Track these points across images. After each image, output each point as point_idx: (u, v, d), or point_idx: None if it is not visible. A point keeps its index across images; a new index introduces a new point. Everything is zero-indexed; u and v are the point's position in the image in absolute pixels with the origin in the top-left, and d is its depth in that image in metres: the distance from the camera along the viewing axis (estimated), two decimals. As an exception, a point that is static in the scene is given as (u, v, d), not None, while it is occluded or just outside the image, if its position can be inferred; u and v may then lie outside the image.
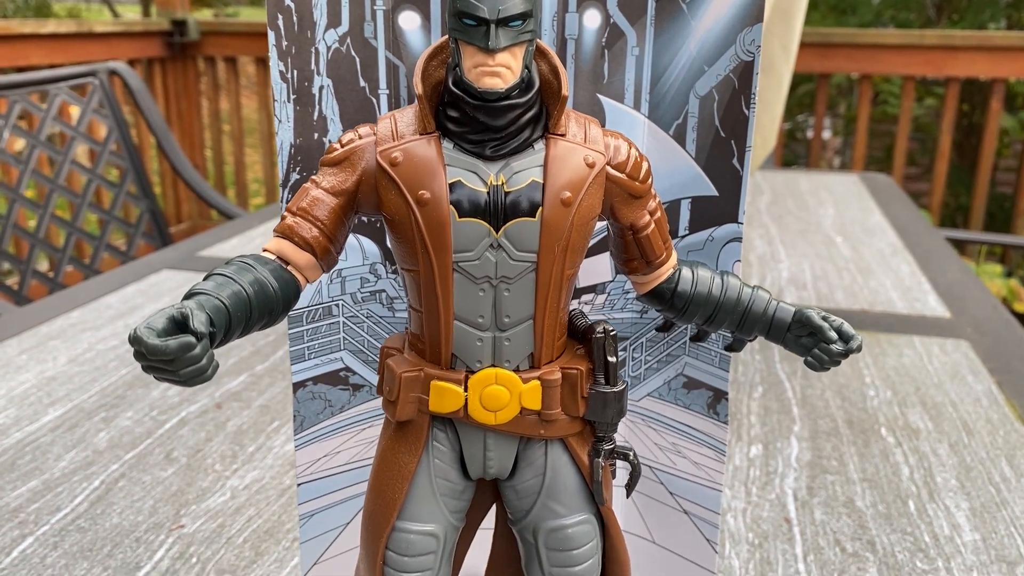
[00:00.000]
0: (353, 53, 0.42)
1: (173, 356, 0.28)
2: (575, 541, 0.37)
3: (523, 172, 0.33)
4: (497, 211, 0.33)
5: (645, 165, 0.36)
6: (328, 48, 0.42)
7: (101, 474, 0.71)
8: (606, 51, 0.43)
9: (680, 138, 0.45)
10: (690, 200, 0.46)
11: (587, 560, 0.37)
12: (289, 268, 0.35)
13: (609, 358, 0.35)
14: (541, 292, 0.34)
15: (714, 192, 0.45)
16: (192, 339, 0.28)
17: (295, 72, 0.42)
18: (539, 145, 0.34)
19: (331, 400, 0.48)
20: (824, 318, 0.38)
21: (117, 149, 1.85)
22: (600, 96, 0.44)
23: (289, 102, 0.42)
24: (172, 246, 1.41)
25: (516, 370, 0.35)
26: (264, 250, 0.35)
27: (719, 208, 0.45)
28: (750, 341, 0.40)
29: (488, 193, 0.33)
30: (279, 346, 0.98)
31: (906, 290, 1.21)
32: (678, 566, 0.51)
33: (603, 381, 0.35)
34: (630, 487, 0.38)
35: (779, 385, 0.91)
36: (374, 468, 0.37)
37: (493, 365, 0.35)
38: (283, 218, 0.35)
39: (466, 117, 0.33)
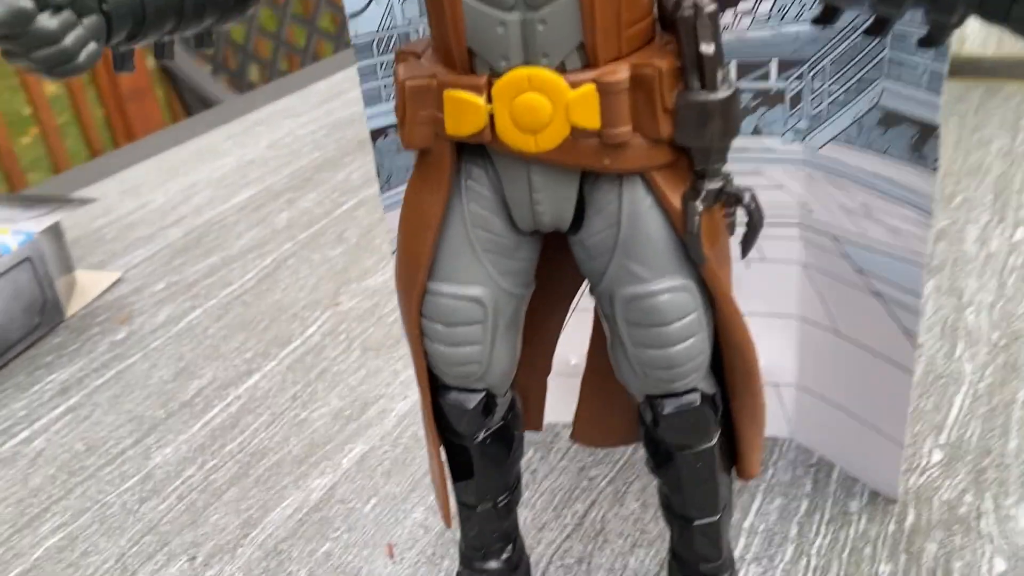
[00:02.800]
0: None
1: (6, 28, 0.21)
2: (663, 314, 0.27)
3: None
4: None
5: None
6: None
7: (274, 252, 0.70)
8: None
9: None
10: None
11: (684, 340, 0.27)
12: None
13: (702, 48, 0.23)
14: None
15: None
16: (27, 5, 0.21)
17: None
18: None
19: (424, 151, 0.40)
20: None
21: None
22: None
23: None
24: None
25: (561, 69, 0.24)
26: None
27: None
28: (956, 26, 0.26)
29: None
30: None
31: None
32: (867, 362, 0.39)
33: (698, 85, 0.24)
34: (746, 245, 0.27)
35: (1071, 156, 0.70)
36: (400, 214, 0.29)
37: (526, 63, 0.24)
38: None
39: None
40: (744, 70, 0.37)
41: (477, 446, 0.32)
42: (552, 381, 0.37)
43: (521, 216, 0.27)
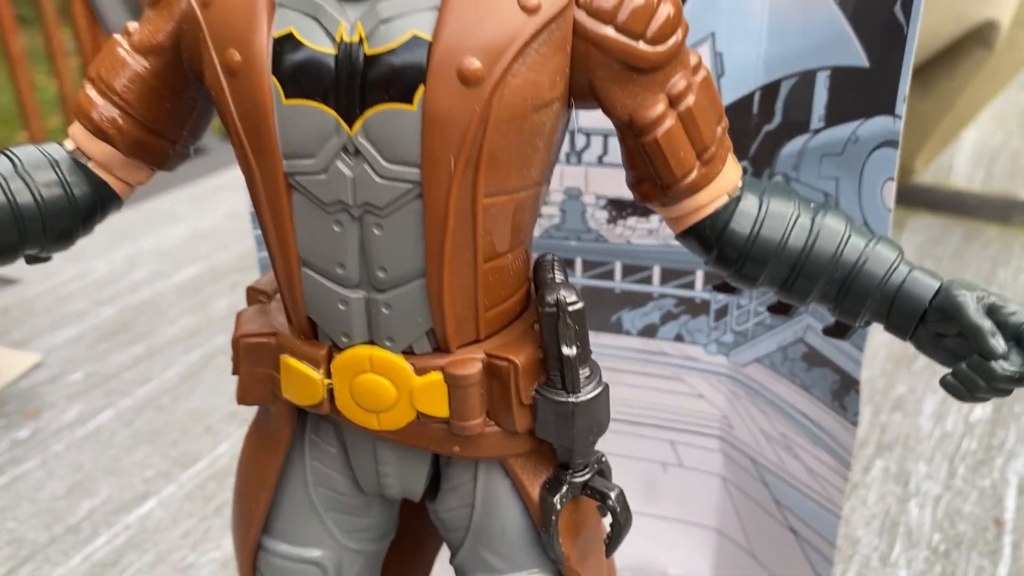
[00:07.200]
0: None
1: None
2: (516, 612, 0.24)
3: (398, 20, 0.19)
4: (351, 88, 0.19)
5: (665, 11, 0.20)
6: None
7: (204, 345, 0.67)
8: None
9: (821, -33, 0.27)
10: (829, 72, 0.28)
11: (538, 639, 0.24)
12: (91, 164, 0.24)
13: (564, 349, 0.21)
14: (434, 233, 0.20)
15: (864, 62, 0.27)
16: None
17: None
18: None
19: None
20: (991, 308, 0.20)
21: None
22: None
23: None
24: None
25: (408, 352, 0.21)
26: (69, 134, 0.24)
27: (870, 88, 0.27)
28: (860, 327, 0.23)
29: (337, 56, 0.19)
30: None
31: None
32: (780, 597, 0.36)
33: (558, 384, 0.21)
34: (610, 545, 0.24)
35: (1042, 321, 0.68)
36: (237, 464, 0.26)
37: (370, 342, 0.22)
38: (84, 85, 0.23)
39: None
40: (668, 276, 0.34)
41: None
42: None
43: (366, 482, 0.24)
